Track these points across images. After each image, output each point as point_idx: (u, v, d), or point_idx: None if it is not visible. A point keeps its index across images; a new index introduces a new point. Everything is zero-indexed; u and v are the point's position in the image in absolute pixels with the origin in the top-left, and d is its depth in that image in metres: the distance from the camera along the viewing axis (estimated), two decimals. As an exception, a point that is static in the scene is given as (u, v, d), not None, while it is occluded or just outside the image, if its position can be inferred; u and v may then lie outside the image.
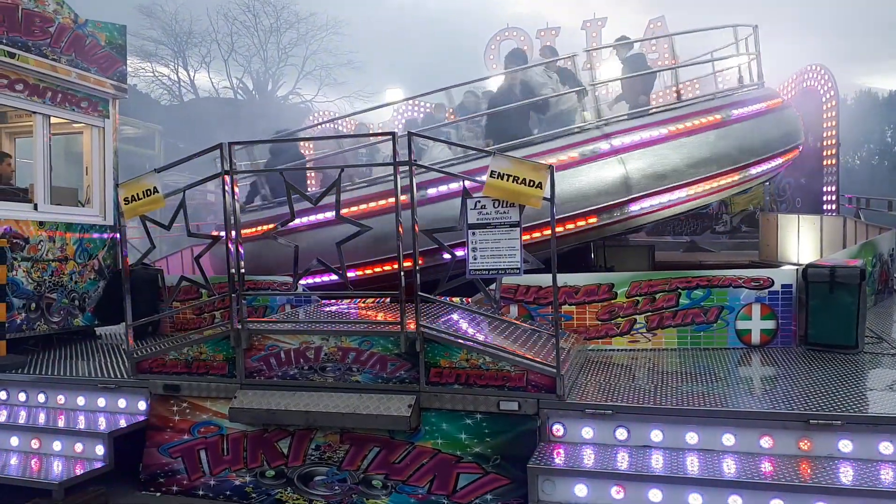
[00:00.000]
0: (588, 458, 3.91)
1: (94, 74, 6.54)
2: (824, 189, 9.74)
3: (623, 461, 3.84)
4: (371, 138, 8.42)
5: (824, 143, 9.80)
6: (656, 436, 3.95)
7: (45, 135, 6.19)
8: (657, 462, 3.79)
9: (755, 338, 5.33)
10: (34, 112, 6.12)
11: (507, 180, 4.04)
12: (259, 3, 35.74)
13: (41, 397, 5.18)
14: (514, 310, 5.52)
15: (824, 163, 9.78)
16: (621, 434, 4.00)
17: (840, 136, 9.71)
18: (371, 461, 4.41)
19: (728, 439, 3.83)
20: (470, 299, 5.62)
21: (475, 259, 4.19)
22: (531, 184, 3.99)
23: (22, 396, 5.21)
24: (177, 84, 35.85)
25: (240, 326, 4.64)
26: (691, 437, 3.90)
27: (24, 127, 6.98)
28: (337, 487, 4.45)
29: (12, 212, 5.85)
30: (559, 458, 3.90)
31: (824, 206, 9.68)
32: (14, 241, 5.75)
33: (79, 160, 7.14)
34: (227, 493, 4.64)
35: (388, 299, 5.95)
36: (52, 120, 6.33)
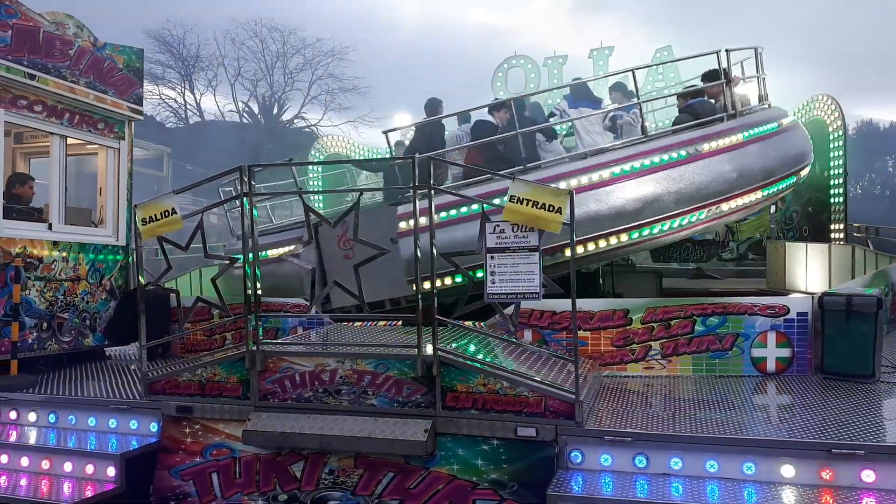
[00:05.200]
0: (607, 485, 3.87)
1: (112, 97, 6.60)
2: (832, 217, 9.77)
3: (642, 489, 3.80)
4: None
5: (831, 173, 9.85)
6: (676, 463, 3.92)
7: (61, 156, 6.23)
8: (677, 490, 3.75)
9: (770, 366, 5.31)
10: (52, 133, 6.17)
11: (527, 205, 4.06)
12: (266, 29, 36.31)
13: (52, 417, 5.15)
14: (527, 335, 5.51)
15: (831, 191, 9.82)
16: (640, 461, 3.96)
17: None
18: (385, 486, 4.36)
19: (749, 468, 3.79)
20: (482, 323, 5.62)
21: (493, 283, 4.19)
22: (551, 209, 4.01)
23: (32, 416, 5.17)
24: (183, 107, 36.19)
25: (255, 348, 4.63)
26: (711, 466, 3.86)
27: (38, 148, 7.02)
28: (350, 513, 4.40)
29: (27, 231, 5.86)
30: (578, 486, 3.87)
31: (832, 235, 9.69)
32: (28, 260, 5.76)
33: (89, 181, 7.19)
34: (239, 517, 4.59)
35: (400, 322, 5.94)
36: (69, 140, 6.37)
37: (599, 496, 3.75)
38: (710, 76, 7.82)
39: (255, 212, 4.59)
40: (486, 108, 7.84)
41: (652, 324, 5.36)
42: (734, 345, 5.32)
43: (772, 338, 5.29)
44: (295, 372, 4.60)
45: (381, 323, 5.99)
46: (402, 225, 6.44)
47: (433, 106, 8.64)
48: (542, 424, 4.12)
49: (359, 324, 5.87)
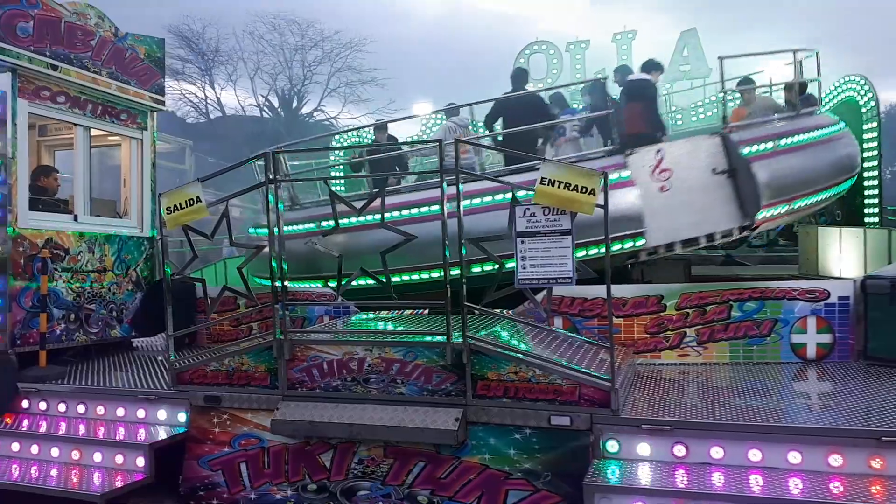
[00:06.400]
0: (645, 475, 3.76)
1: (134, 87, 6.56)
2: (866, 201, 9.49)
3: (682, 479, 3.68)
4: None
5: (865, 155, 9.56)
6: (717, 453, 3.79)
7: (85, 147, 6.21)
8: (718, 480, 3.63)
9: (811, 352, 5.15)
10: (75, 124, 6.15)
11: (559, 187, 3.94)
12: (284, 22, 36.24)
13: (81, 408, 5.14)
14: (558, 322, 5.39)
15: (865, 174, 9.54)
16: (679, 451, 3.84)
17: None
18: (416, 476, 4.29)
19: (794, 457, 3.65)
20: (510, 311, 5.51)
21: (524, 268, 4.08)
22: (584, 190, 3.89)
23: (62, 407, 5.18)
24: (203, 102, 36.33)
25: (282, 337, 4.57)
26: (754, 455, 3.73)
27: (63, 140, 7.02)
28: (381, 503, 4.33)
29: (53, 223, 5.85)
30: (615, 476, 3.76)
31: (866, 219, 9.43)
32: (55, 251, 5.75)
33: (114, 172, 7.18)
34: (269, 507, 4.55)
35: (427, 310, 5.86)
36: (92, 132, 6.36)
37: (638, 486, 3.65)
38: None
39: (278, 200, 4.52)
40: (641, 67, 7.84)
41: (687, 310, 5.22)
42: (772, 330, 5.17)
43: (812, 323, 5.13)
44: (322, 360, 4.53)
45: (408, 311, 5.91)
46: (746, 150, 6.49)
47: (521, 76, 8.10)
48: (576, 413, 4.01)
49: (385, 311, 5.80)
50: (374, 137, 8.39)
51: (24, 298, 5.46)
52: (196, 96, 35.98)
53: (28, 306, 5.49)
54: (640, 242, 6.05)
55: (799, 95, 7.78)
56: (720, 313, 5.20)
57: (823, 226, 10.19)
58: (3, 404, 5.19)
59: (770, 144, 6.63)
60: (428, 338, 4.46)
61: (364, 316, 5.85)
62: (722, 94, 7.01)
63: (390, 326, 5.29)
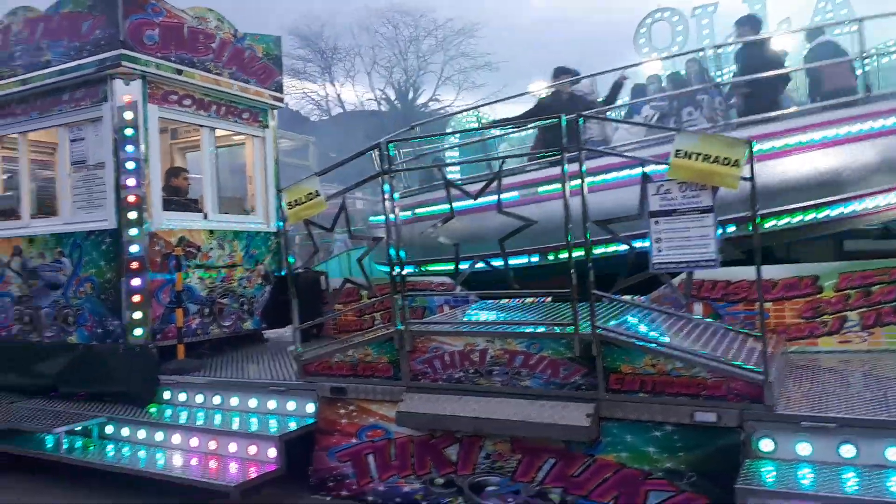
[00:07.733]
0: (807, 478, 3.33)
1: (254, 86, 6.71)
2: None
3: (852, 483, 3.23)
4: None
5: None
6: (894, 454, 3.30)
7: (211, 147, 6.42)
8: (898, 486, 3.16)
9: None
10: (201, 125, 6.37)
11: (696, 159, 3.55)
12: (398, 14, 36.64)
13: (217, 399, 5.32)
14: (697, 308, 4.96)
15: None
16: (848, 451, 3.38)
17: None
18: (547, 473, 4.07)
19: None
20: (642, 297, 5.13)
21: (660, 251, 3.73)
22: (725, 162, 3.48)
23: (199, 398, 5.38)
24: (324, 99, 37.52)
25: (403, 328, 4.48)
26: (943, 458, 3.21)
27: (192, 141, 7.32)
28: (511, 499, 4.15)
29: (185, 222, 6.10)
30: (772, 478, 3.36)
31: None
32: (187, 249, 5.98)
33: (242, 171, 7.40)
34: (397, 500, 4.48)
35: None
36: (217, 132, 6.56)
37: (799, 491, 3.24)
38: None
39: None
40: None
41: (848, 291, 4.63)
42: (955, 312, 4.48)
43: None
44: (444, 352, 4.40)
45: (531, 299, 5.66)
46: None
47: (756, 23, 7.48)
48: (724, 409, 3.63)
49: (507, 300, 5.59)
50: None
51: (162, 295, 5.72)
52: (318, 94, 37.24)
53: (166, 302, 5.74)
54: None
55: None
56: (888, 294, 4.56)
57: None
58: (148, 396, 5.47)
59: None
60: (551, 329, 4.20)
61: (484, 305, 5.67)
62: None
63: (513, 316, 5.07)
